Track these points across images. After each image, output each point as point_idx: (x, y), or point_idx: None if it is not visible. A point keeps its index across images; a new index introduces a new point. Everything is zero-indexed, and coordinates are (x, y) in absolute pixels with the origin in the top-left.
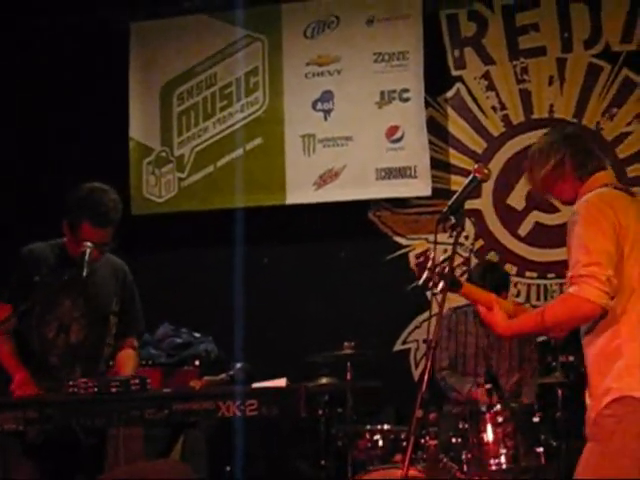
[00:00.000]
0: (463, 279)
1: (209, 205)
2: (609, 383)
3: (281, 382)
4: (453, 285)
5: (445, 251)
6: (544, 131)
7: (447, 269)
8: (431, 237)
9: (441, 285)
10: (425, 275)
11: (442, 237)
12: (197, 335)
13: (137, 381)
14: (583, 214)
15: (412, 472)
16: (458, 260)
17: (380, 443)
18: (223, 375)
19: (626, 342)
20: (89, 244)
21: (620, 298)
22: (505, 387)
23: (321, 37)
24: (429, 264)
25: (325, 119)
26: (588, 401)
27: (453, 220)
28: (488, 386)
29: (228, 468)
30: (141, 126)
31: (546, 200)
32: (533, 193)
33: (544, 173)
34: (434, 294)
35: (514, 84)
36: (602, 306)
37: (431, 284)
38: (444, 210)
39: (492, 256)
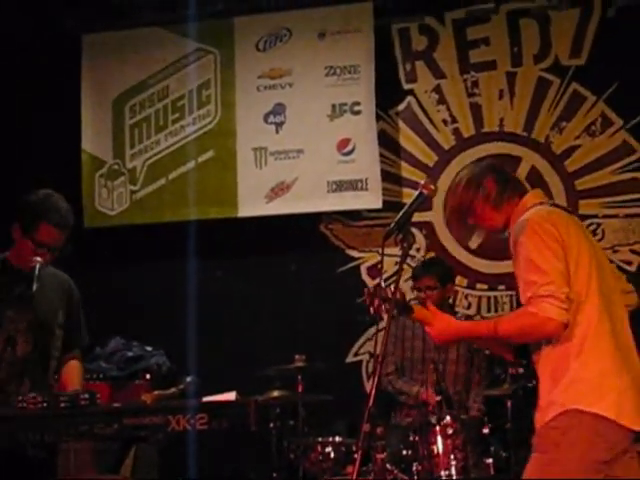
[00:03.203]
0: (413, 304)
1: (161, 218)
2: (554, 396)
3: (231, 396)
4: (406, 311)
5: (396, 264)
6: (496, 144)
7: (398, 295)
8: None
9: (394, 312)
10: (376, 304)
11: (394, 250)
12: (148, 349)
13: (86, 396)
14: (528, 234)
15: None
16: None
17: (331, 455)
18: (174, 389)
19: (574, 357)
20: (39, 259)
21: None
22: (451, 393)
23: (273, 50)
24: (379, 293)
25: (277, 132)
26: (536, 414)
27: (401, 235)
28: (438, 398)
29: None
30: (93, 138)
31: (470, 232)
32: (457, 227)
33: (474, 205)
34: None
35: (465, 98)
36: (564, 323)
37: (383, 312)
38: (391, 225)
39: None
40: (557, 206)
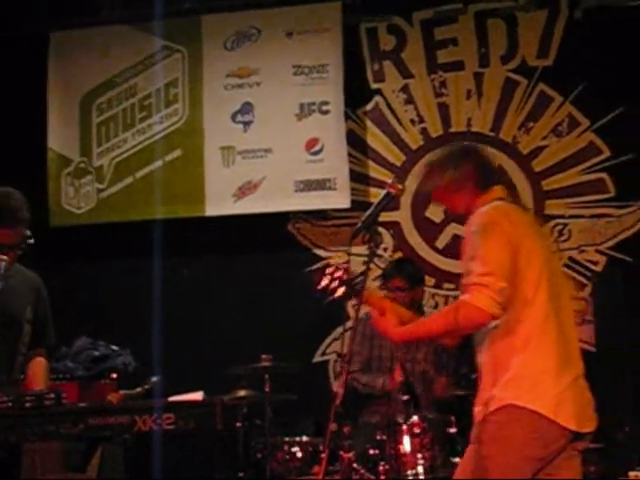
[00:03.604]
0: (365, 285)
1: (128, 217)
2: (495, 391)
3: (198, 395)
4: (353, 290)
5: (364, 263)
6: None
7: (346, 276)
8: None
9: (341, 290)
10: (324, 282)
11: (362, 249)
12: (115, 348)
13: (52, 395)
14: (481, 225)
15: None
16: (374, 274)
17: (298, 455)
18: (140, 389)
19: (517, 353)
20: (4, 257)
21: (513, 310)
22: (419, 392)
23: (241, 49)
24: (328, 271)
25: (245, 131)
26: (475, 408)
27: (368, 234)
28: (406, 397)
29: None
30: (60, 137)
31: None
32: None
33: (446, 182)
34: (335, 300)
35: (432, 98)
36: (492, 315)
37: (331, 290)
38: (358, 225)
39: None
40: (516, 203)
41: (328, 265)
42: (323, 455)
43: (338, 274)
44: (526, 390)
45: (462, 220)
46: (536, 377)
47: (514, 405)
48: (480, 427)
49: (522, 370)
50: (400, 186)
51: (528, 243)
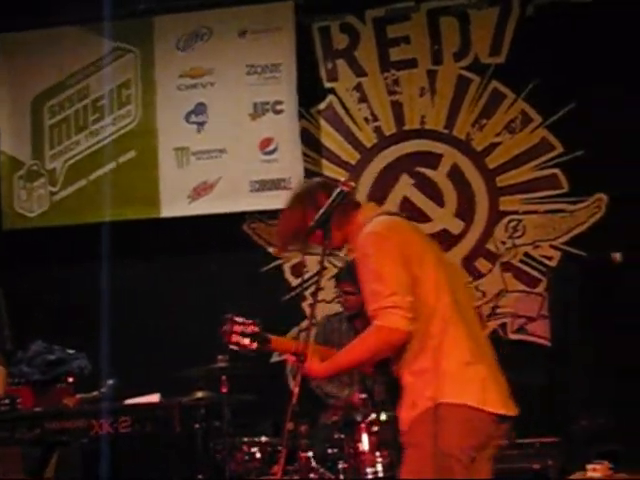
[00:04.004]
0: (271, 335)
1: (82, 219)
2: (420, 392)
3: (154, 398)
4: (263, 343)
5: (319, 262)
6: (417, 142)
7: (256, 329)
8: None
9: (254, 345)
10: (234, 339)
11: (317, 248)
12: (70, 352)
13: (7, 401)
14: (371, 246)
15: None
16: (330, 273)
17: (257, 455)
18: (96, 392)
19: (433, 352)
20: None
21: (420, 316)
22: (378, 396)
23: (193, 49)
24: (235, 328)
25: (198, 131)
26: (401, 415)
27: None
28: (363, 396)
29: None
30: (11, 139)
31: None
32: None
33: (305, 223)
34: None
35: (386, 96)
36: (408, 332)
37: (242, 345)
38: (311, 224)
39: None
40: (397, 214)
41: (233, 321)
42: (281, 455)
43: (249, 329)
44: (450, 386)
45: (418, 218)
46: (458, 371)
47: (442, 403)
48: (413, 429)
49: (443, 367)
50: (353, 184)
51: (417, 249)
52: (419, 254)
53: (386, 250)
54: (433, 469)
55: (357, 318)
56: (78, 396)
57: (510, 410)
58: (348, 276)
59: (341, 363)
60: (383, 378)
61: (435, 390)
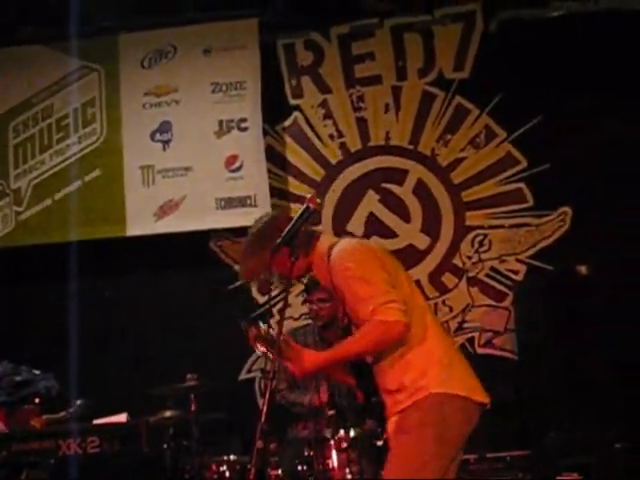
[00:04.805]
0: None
1: (48, 239)
2: (408, 384)
3: (122, 417)
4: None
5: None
6: (382, 158)
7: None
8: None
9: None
10: (257, 345)
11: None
12: (37, 372)
13: None
14: (348, 259)
15: None
16: (297, 290)
17: (227, 474)
18: (64, 412)
19: (418, 346)
20: None
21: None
22: (346, 406)
23: (158, 67)
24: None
25: (164, 149)
26: (391, 407)
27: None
28: (332, 412)
29: None
30: None
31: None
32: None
33: (268, 257)
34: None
35: (351, 112)
36: (407, 324)
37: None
38: (278, 241)
39: None
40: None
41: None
42: (250, 474)
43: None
44: (441, 376)
45: (384, 233)
46: (444, 364)
47: (435, 393)
48: (405, 418)
49: (429, 359)
50: (319, 200)
51: (388, 261)
52: (390, 265)
53: (364, 259)
54: (417, 455)
55: (329, 328)
56: (45, 417)
57: (487, 398)
58: (318, 284)
59: (340, 355)
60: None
61: (426, 381)
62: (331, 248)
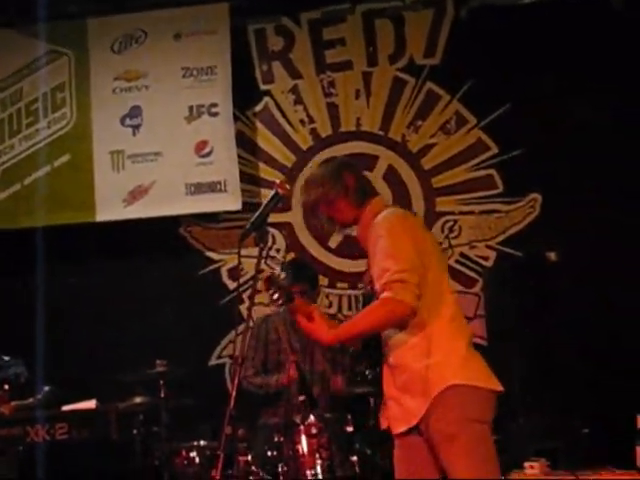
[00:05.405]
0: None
1: (17, 224)
2: (429, 375)
3: (91, 404)
4: (289, 299)
5: (257, 264)
6: (353, 143)
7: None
8: (243, 251)
9: (281, 299)
10: (272, 290)
11: (254, 251)
12: (6, 358)
13: None
14: (387, 229)
15: None
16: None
17: (197, 460)
18: (32, 399)
19: (439, 338)
20: None
21: (426, 303)
22: (317, 392)
23: (128, 52)
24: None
25: (134, 135)
26: (410, 402)
27: (257, 235)
28: (302, 398)
29: None
30: None
31: (320, 224)
32: (309, 215)
33: (326, 196)
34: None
35: (321, 98)
36: (413, 307)
37: (275, 298)
38: (247, 226)
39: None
40: (406, 210)
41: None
42: (218, 459)
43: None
44: (467, 368)
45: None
46: (463, 356)
47: (459, 385)
48: (438, 421)
49: (452, 351)
50: (288, 186)
51: (426, 245)
52: (427, 247)
53: (398, 232)
54: (479, 454)
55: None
56: (13, 403)
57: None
58: (299, 276)
59: (352, 331)
60: (367, 360)
61: (448, 372)
62: (379, 212)
